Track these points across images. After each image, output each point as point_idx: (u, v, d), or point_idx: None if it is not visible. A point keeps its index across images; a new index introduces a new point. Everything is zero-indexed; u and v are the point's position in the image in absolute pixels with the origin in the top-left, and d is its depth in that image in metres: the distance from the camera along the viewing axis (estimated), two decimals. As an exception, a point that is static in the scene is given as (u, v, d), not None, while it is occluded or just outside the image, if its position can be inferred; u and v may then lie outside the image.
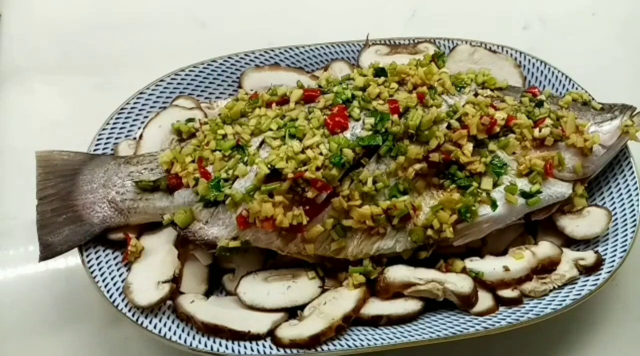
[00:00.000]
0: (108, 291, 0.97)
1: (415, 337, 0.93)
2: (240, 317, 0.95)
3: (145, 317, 0.96)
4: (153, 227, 1.02)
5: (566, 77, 1.14)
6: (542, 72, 1.16)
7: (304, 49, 1.18)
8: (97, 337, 1.07)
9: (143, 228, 1.02)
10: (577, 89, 1.13)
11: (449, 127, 0.99)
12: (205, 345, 0.94)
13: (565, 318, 1.04)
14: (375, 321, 0.96)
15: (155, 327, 0.95)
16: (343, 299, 0.96)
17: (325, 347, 0.93)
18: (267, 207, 0.93)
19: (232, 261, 1.02)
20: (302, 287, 0.98)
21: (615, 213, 1.04)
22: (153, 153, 1.04)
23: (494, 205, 0.98)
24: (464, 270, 0.98)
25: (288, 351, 0.93)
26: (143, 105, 1.12)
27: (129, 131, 1.11)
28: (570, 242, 1.03)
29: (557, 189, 1.01)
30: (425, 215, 0.98)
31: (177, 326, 0.96)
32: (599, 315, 1.08)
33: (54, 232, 0.98)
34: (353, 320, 0.95)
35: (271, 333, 0.94)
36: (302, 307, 0.96)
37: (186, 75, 1.15)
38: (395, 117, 0.98)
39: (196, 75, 1.15)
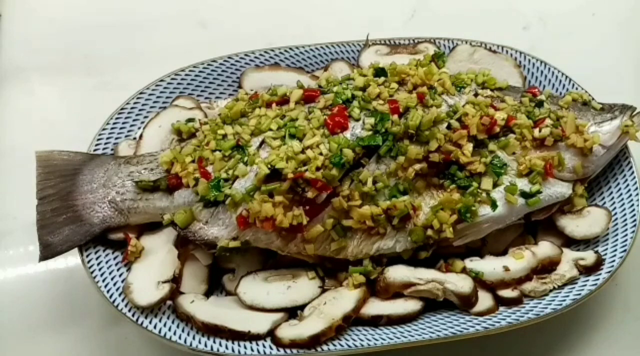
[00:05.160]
0: (108, 291, 0.97)
1: (415, 337, 0.93)
2: (240, 317, 0.95)
3: (145, 317, 0.96)
4: (153, 227, 1.02)
5: (566, 77, 1.14)
6: (542, 72, 1.16)
7: (304, 49, 1.18)
8: (97, 337, 1.07)
9: (143, 228, 1.02)
10: (577, 89, 1.13)
11: (449, 127, 0.99)
12: (205, 345, 0.94)
13: (565, 318, 1.04)
14: (375, 321, 0.96)
15: (155, 327, 0.95)
16: (343, 299, 0.96)
17: (325, 347, 0.93)
18: (267, 207, 0.93)
19: (232, 261, 1.02)
20: (302, 287, 0.98)
21: (615, 213, 1.04)
22: (153, 153, 1.04)
23: (494, 205, 0.98)
24: (464, 270, 0.98)
25: (288, 351, 0.93)
26: (143, 105, 1.12)
27: (129, 131, 1.11)
28: (570, 242, 1.03)
29: (557, 189, 1.01)
30: (425, 215, 0.98)
31: (177, 326, 0.96)
32: (599, 315, 1.08)
33: (54, 232, 0.98)
34: (353, 320, 0.95)
35: (271, 333, 0.94)
36: (302, 307, 0.96)
37: (186, 75, 1.15)
38: (395, 117, 0.98)
39: (196, 75, 1.15)
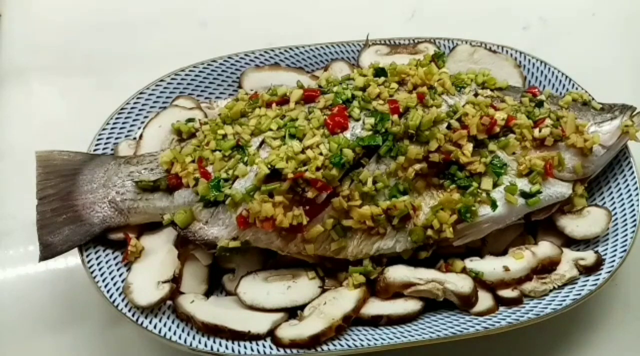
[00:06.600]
0: (108, 291, 0.97)
1: (415, 337, 0.93)
2: (240, 317, 0.95)
3: (145, 317, 0.96)
4: (153, 227, 1.02)
5: (566, 77, 1.14)
6: (542, 72, 1.16)
7: (304, 49, 1.18)
8: (97, 337, 1.07)
9: (143, 228, 1.02)
10: (577, 89, 1.13)
11: (449, 127, 0.99)
12: (205, 345, 0.94)
13: (565, 318, 1.04)
14: (375, 321, 0.96)
15: (155, 327, 0.95)
16: (343, 299, 0.96)
17: (325, 347, 0.93)
18: (267, 207, 0.93)
19: (232, 261, 1.01)
20: (302, 287, 0.98)
21: (615, 213, 1.04)
22: (153, 153, 1.04)
23: (494, 205, 0.98)
24: (464, 270, 0.98)
25: (288, 351, 0.93)
26: (143, 105, 1.12)
27: (129, 131, 1.11)
28: (570, 242, 1.03)
29: (557, 189, 1.01)
30: (425, 215, 0.98)
31: (177, 326, 0.96)
32: (599, 315, 1.08)
33: (54, 232, 0.98)
34: (353, 320, 0.95)
35: (271, 333, 0.94)
36: (302, 307, 0.96)
37: (186, 75, 1.15)
38: (395, 117, 0.98)
39: (196, 75, 1.15)
